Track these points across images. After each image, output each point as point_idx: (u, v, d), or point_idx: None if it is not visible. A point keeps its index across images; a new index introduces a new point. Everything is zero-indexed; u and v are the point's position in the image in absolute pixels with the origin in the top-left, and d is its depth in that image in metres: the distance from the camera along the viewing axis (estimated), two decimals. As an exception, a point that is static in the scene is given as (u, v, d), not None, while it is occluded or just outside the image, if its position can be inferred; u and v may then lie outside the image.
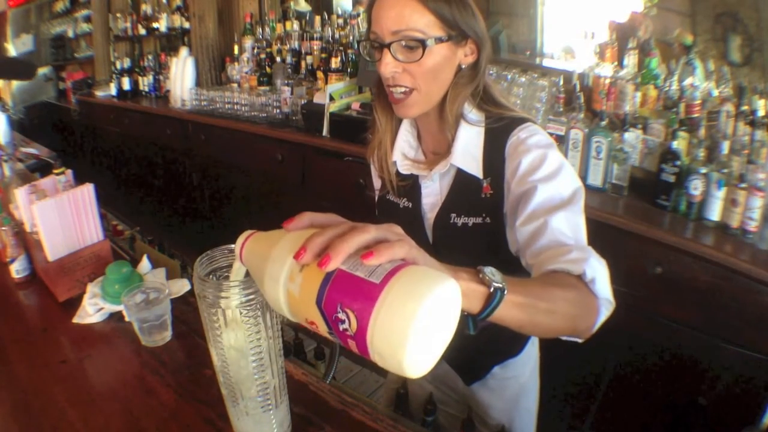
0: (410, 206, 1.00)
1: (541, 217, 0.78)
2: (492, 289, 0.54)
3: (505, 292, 0.55)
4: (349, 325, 0.42)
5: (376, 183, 1.13)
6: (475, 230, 0.92)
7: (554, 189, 0.81)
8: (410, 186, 0.99)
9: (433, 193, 0.97)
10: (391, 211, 1.03)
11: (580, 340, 0.72)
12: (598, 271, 0.70)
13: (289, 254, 0.48)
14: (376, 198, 1.12)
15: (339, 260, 0.44)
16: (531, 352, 1.13)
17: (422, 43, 0.82)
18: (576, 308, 0.68)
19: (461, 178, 0.93)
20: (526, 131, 0.88)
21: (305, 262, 0.46)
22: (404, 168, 0.99)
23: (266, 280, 0.50)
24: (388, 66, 0.84)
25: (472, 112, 0.93)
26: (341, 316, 0.42)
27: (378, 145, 1.02)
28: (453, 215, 0.93)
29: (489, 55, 0.91)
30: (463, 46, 0.87)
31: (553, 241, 0.76)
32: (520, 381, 1.13)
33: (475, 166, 0.91)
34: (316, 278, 0.45)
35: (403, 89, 0.86)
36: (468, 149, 0.91)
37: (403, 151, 1.01)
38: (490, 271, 0.55)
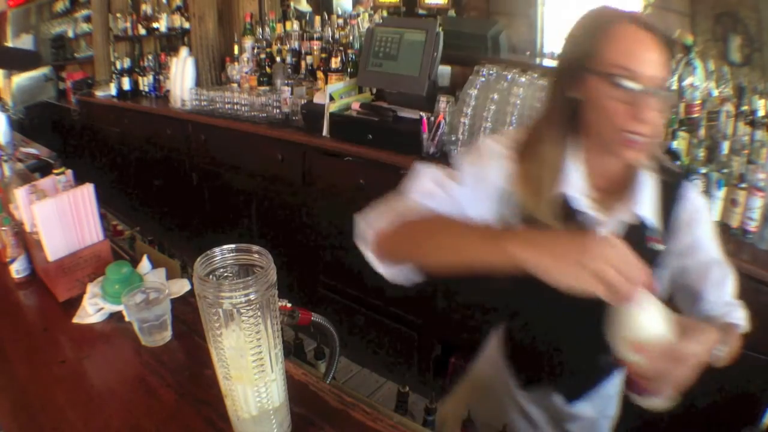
0: None
1: (713, 287, 0.93)
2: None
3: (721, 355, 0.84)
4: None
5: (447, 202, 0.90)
6: None
7: (721, 263, 0.94)
8: (574, 225, 0.90)
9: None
10: None
11: None
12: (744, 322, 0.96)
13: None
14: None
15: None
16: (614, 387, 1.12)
17: (671, 92, 0.84)
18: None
19: (635, 226, 0.90)
20: (696, 193, 0.94)
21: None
22: (581, 205, 0.90)
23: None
24: (655, 116, 0.80)
25: None
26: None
27: (529, 177, 0.89)
28: None
29: None
30: None
31: (721, 302, 0.95)
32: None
33: (654, 217, 0.90)
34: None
35: (642, 138, 0.82)
36: (648, 198, 0.90)
37: (578, 186, 0.90)
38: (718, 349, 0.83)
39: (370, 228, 0.88)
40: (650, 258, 0.88)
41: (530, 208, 0.88)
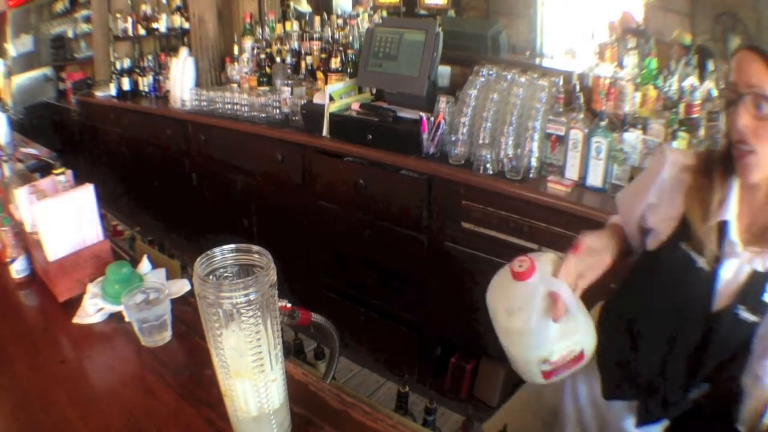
0: (707, 270, 0.92)
1: None
2: None
3: None
4: None
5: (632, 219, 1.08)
6: (747, 329, 0.89)
7: None
8: (712, 252, 0.92)
9: (732, 272, 0.91)
10: (683, 263, 0.94)
11: None
12: None
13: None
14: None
15: None
16: None
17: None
18: None
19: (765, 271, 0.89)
20: None
21: None
22: (732, 234, 0.91)
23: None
24: (740, 118, 0.84)
25: None
26: None
27: (700, 198, 0.94)
28: (741, 307, 0.89)
29: None
30: None
31: None
32: None
33: None
34: None
35: (744, 147, 0.86)
36: None
37: (735, 216, 0.92)
38: None
39: None
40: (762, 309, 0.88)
41: (695, 223, 0.93)
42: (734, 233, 0.91)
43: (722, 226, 0.92)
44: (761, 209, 0.92)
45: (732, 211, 0.92)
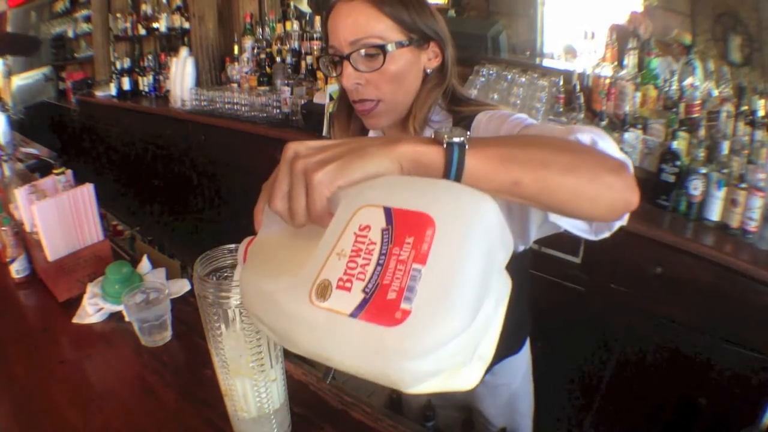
0: None
1: (515, 129, 0.74)
2: (445, 145, 0.44)
3: (466, 146, 0.44)
4: None
5: None
6: None
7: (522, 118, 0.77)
8: None
9: None
10: None
11: (622, 221, 0.64)
12: (596, 133, 0.59)
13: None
14: None
15: None
16: (523, 357, 1.13)
17: (382, 49, 0.79)
18: (587, 157, 0.54)
19: None
20: (488, 112, 0.83)
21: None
22: None
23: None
24: (350, 78, 0.80)
25: (438, 115, 0.89)
26: None
27: None
28: None
29: (453, 56, 0.88)
30: (425, 49, 0.84)
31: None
32: (511, 388, 1.12)
33: None
34: None
35: (368, 102, 0.83)
36: None
37: None
38: (447, 129, 0.45)
39: None
40: None
41: None
42: None
43: None
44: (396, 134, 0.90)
45: None
